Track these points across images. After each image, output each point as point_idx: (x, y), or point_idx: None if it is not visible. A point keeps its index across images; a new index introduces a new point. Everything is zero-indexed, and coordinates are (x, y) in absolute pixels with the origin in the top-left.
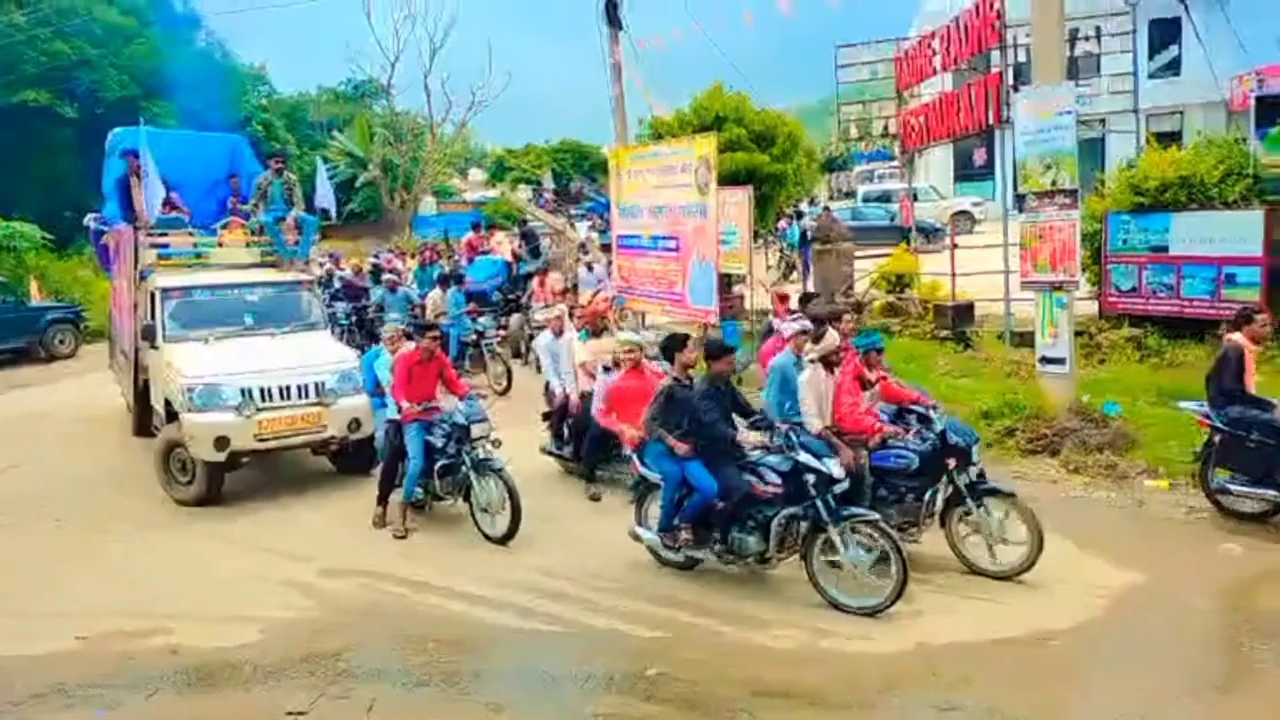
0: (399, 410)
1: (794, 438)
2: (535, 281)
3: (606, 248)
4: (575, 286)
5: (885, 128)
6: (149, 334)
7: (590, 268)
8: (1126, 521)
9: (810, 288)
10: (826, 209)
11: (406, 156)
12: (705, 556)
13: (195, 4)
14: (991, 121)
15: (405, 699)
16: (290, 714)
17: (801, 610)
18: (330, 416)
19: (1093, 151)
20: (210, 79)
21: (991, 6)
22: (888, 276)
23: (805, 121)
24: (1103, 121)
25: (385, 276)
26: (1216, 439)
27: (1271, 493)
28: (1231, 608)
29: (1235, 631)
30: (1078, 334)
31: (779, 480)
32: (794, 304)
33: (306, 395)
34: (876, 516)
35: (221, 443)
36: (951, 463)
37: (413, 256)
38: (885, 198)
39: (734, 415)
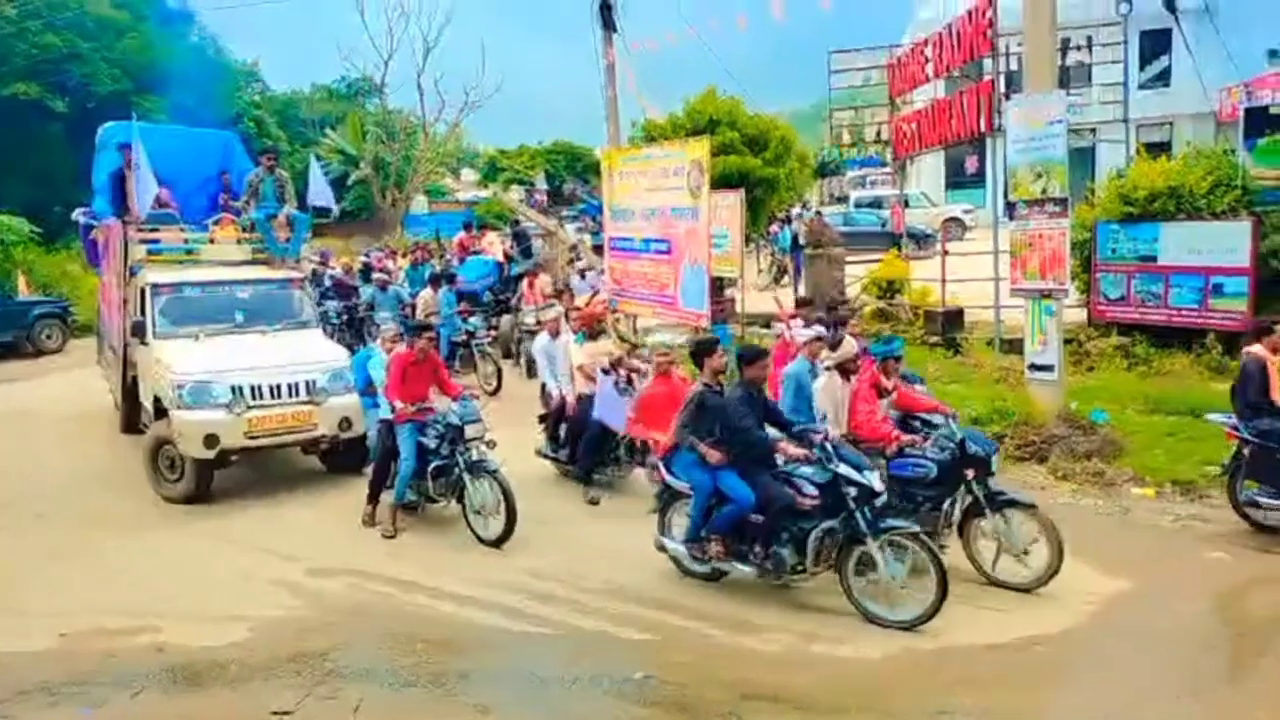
0: (393, 411)
1: (832, 449)
2: (525, 283)
3: (598, 249)
4: (568, 287)
5: (878, 134)
6: (139, 330)
7: (583, 275)
8: (1114, 529)
9: (802, 292)
10: (818, 213)
11: (399, 155)
12: (733, 568)
13: None
14: (983, 129)
15: (392, 699)
16: (276, 713)
17: (790, 614)
18: (321, 415)
19: (1083, 161)
20: (203, 75)
21: (984, 14)
22: (879, 282)
23: (798, 126)
24: (1093, 131)
25: (376, 275)
26: (1245, 451)
27: None
28: (1218, 615)
29: (1222, 638)
30: (1067, 342)
31: (816, 492)
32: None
33: (297, 394)
34: (917, 529)
35: (211, 440)
36: (970, 473)
37: (404, 255)
38: (877, 203)
39: (765, 425)
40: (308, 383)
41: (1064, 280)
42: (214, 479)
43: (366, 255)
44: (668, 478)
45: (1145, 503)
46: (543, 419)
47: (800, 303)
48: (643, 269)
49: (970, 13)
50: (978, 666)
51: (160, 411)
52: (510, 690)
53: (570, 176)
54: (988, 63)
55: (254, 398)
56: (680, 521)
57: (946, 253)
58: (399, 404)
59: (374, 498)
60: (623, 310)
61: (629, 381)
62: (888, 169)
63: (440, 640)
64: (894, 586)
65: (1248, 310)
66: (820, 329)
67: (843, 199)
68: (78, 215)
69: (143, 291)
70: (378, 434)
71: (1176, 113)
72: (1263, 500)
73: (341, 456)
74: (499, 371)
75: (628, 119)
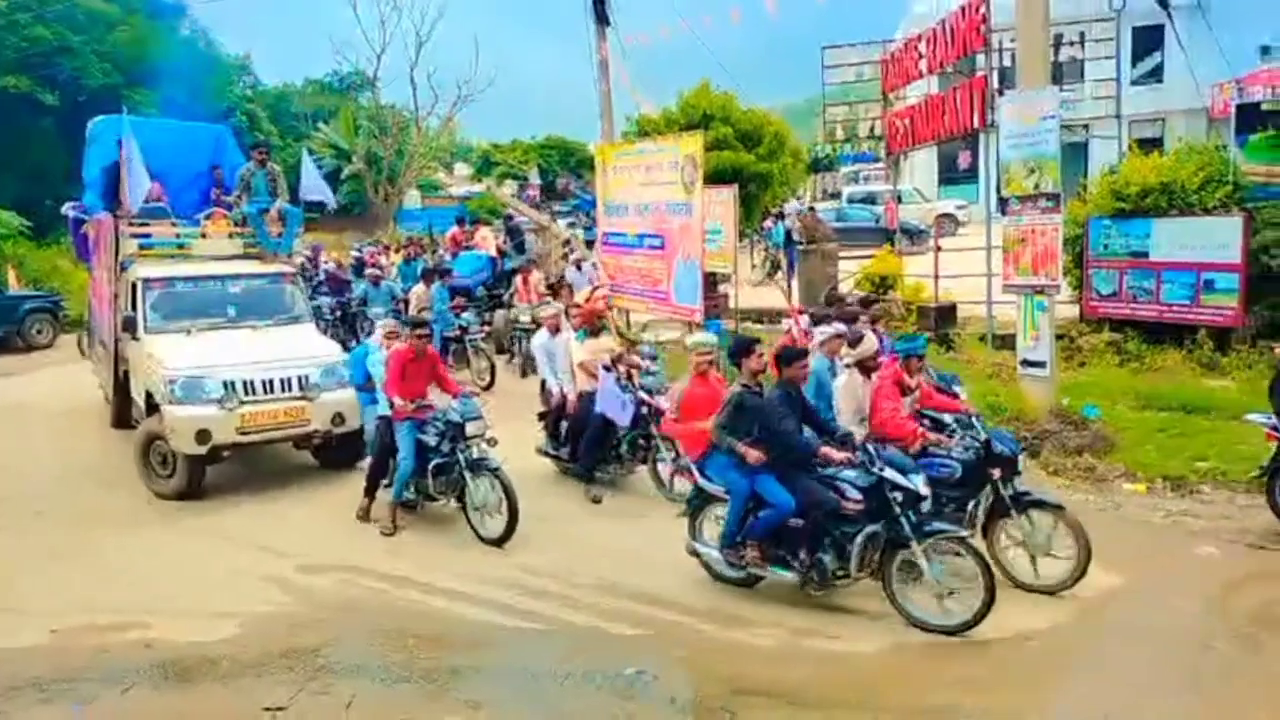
0: (391, 408)
1: (876, 452)
2: (519, 279)
3: (590, 244)
4: (560, 281)
5: (871, 129)
6: (130, 325)
7: (579, 266)
8: (1105, 524)
9: (795, 288)
10: (811, 209)
11: (391, 150)
12: (770, 574)
13: None
14: (976, 125)
15: (384, 695)
16: (268, 709)
17: (783, 609)
18: (314, 410)
19: (1076, 156)
20: (194, 68)
21: (977, 10)
22: (871, 278)
23: (791, 121)
24: (1086, 127)
25: (369, 271)
26: None
27: None
28: (1209, 610)
29: (1214, 634)
30: (1058, 337)
31: (860, 496)
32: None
33: (290, 389)
34: (964, 533)
35: (203, 436)
36: (996, 472)
37: (397, 250)
38: (870, 199)
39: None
40: (300, 378)
41: (1056, 276)
42: (206, 475)
43: (359, 250)
44: (701, 481)
45: (1136, 498)
46: (542, 416)
47: (830, 300)
48: (636, 264)
49: (964, 8)
50: (969, 662)
51: (152, 407)
52: (502, 686)
53: (564, 171)
54: (981, 58)
55: (246, 393)
56: (713, 525)
57: (939, 248)
58: (398, 401)
59: (370, 493)
60: (616, 305)
61: (629, 377)
62: (881, 164)
63: (432, 636)
64: (940, 591)
65: (1239, 306)
66: (840, 326)
67: (836, 194)
68: (68, 209)
69: (134, 286)
70: (375, 430)
71: (1169, 109)
72: None
73: (334, 452)
74: (492, 367)
75: (621, 113)
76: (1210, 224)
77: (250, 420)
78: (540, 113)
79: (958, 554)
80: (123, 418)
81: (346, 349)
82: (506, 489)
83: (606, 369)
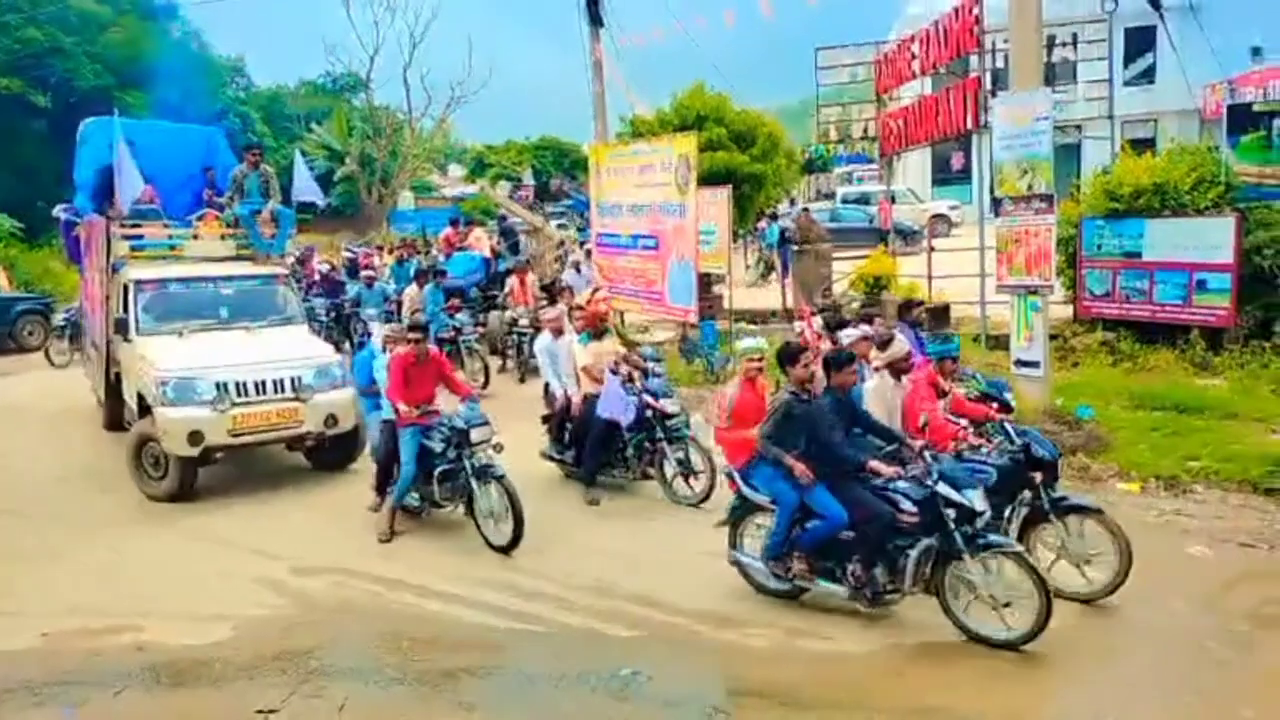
0: (396, 414)
1: (932, 464)
2: (514, 280)
3: (582, 245)
4: (555, 284)
5: (865, 130)
6: (122, 327)
7: (578, 269)
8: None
9: (788, 289)
10: (805, 210)
11: (385, 151)
12: (816, 587)
13: None
14: (969, 126)
15: (378, 697)
16: (261, 712)
17: (776, 610)
18: (307, 412)
19: (1069, 157)
20: (186, 70)
21: (970, 11)
22: (865, 278)
23: (785, 122)
24: (1079, 128)
25: (363, 273)
26: None
27: None
28: (1202, 608)
29: (1205, 631)
30: (1052, 337)
31: (915, 509)
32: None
33: (282, 390)
34: (1020, 548)
35: (195, 438)
36: (1038, 476)
37: (390, 252)
38: (864, 200)
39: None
40: (293, 379)
41: (1049, 276)
42: (198, 476)
43: (352, 251)
44: (745, 489)
45: (1130, 498)
46: (545, 420)
47: (867, 303)
48: (630, 265)
49: (957, 10)
50: (963, 662)
51: (144, 409)
52: (497, 688)
53: (557, 172)
54: (974, 59)
55: (239, 394)
56: (754, 535)
57: (933, 249)
58: (403, 408)
59: (381, 491)
60: (611, 307)
61: (630, 379)
62: (875, 165)
63: (426, 638)
64: (995, 604)
65: (1231, 306)
66: (866, 328)
67: (830, 195)
68: (59, 211)
69: (126, 288)
70: (380, 433)
71: (1161, 109)
72: None
73: (327, 453)
74: (486, 368)
75: (615, 114)
76: (1203, 224)
77: (243, 422)
78: (534, 114)
79: (1011, 567)
80: (115, 420)
81: (340, 350)
82: (511, 497)
83: (613, 372)
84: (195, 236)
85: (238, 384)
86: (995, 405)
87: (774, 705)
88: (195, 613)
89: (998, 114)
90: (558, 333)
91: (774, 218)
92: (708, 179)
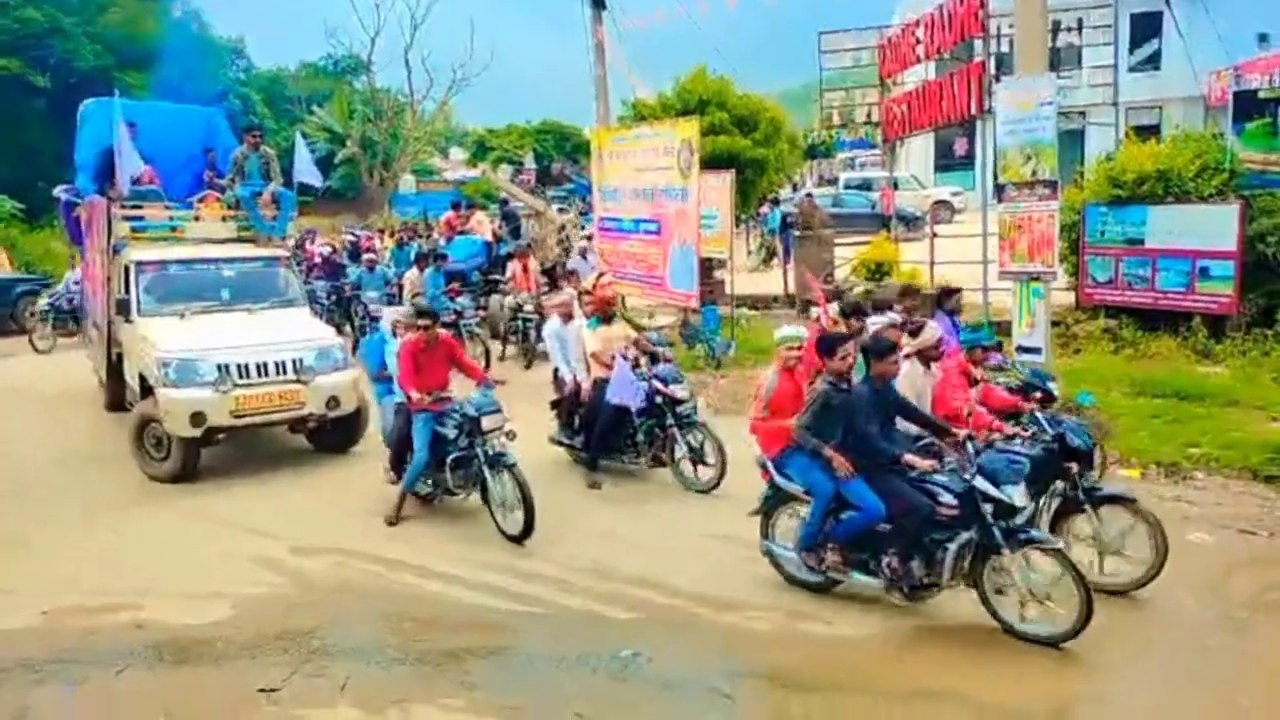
0: (409, 401)
1: (972, 459)
2: (516, 265)
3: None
4: (556, 268)
5: (868, 115)
6: (123, 308)
7: (584, 254)
8: None
9: (790, 274)
10: (809, 195)
11: (386, 134)
12: (850, 580)
13: None
14: (973, 111)
15: (379, 677)
16: (263, 691)
17: (775, 592)
18: (309, 394)
19: (1073, 143)
20: (187, 51)
21: None
22: (867, 264)
23: (788, 107)
24: (1083, 114)
25: (365, 256)
26: None
27: None
28: (1202, 595)
29: (1205, 617)
30: (1054, 324)
31: (955, 502)
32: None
33: (284, 372)
34: (1060, 544)
35: (198, 419)
36: (1074, 466)
37: (391, 235)
38: (866, 185)
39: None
40: (295, 361)
41: (1052, 263)
42: (200, 457)
43: (354, 235)
44: (778, 479)
45: (1130, 485)
46: (554, 405)
47: (905, 292)
48: (632, 249)
49: None
50: (964, 646)
51: (146, 390)
52: (497, 668)
53: (559, 156)
54: (979, 44)
55: (241, 376)
56: (787, 526)
57: (935, 235)
58: (414, 394)
59: (396, 469)
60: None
61: (636, 364)
62: (877, 151)
63: (427, 619)
64: (1033, 600)
65: (1233, 294)
66: (894, 315)
67: (832, 181)
68: (59, 192)
69: (127, 269)
70: (394, 415)
71: (1166, 96)
72: None
73: (329, 436)
74: (487, 352)
75: (617, 98)
76: (1206, 211)
77: (245, 403)
78: (536, 97)
79: (1051, 564)
80: (116, 400)
81: (340, 333)
82: (522, 486)
83: (624, 357)
84: (196, 218)
85: (240, 365)
86: (1039, 395)
87: (774, 687)
88: (196, 592)
89: (1001, 99)
90: (567, 318)
91: (776, 203)
92: (710, 163)
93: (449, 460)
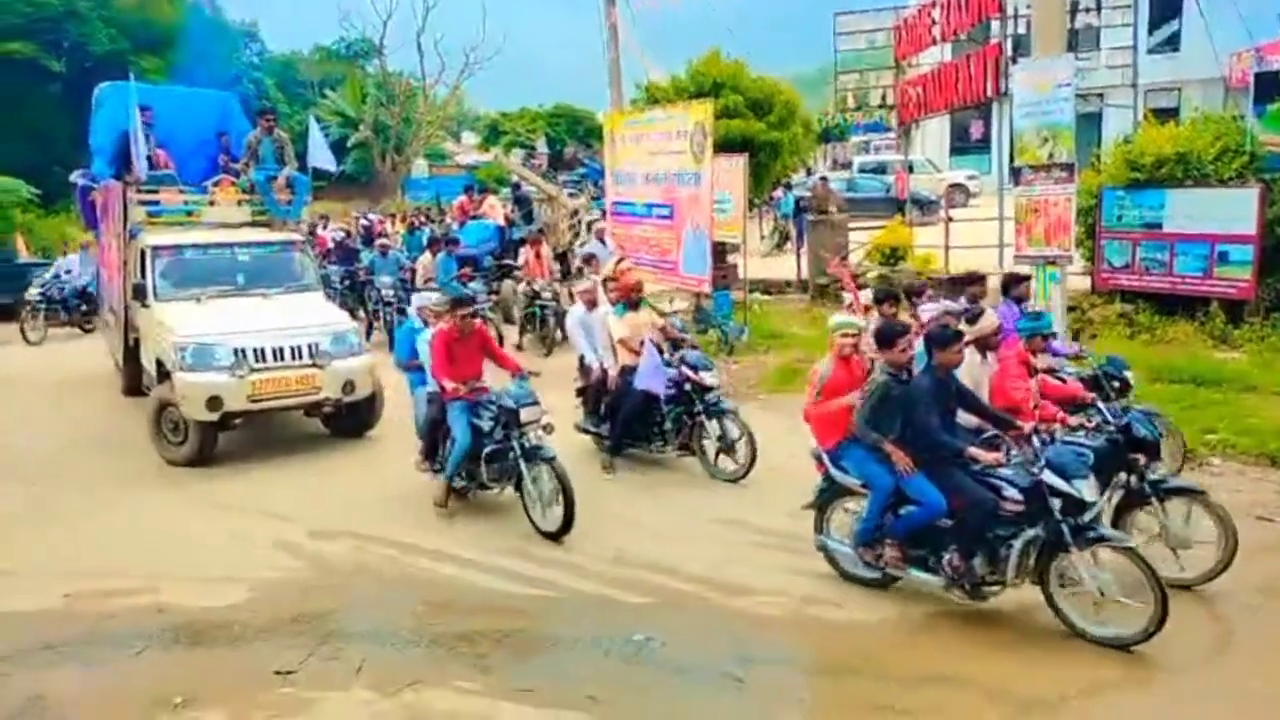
0: (442, 391)
1: (1040, 451)
2: (530, 251)
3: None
4: (569, 253)
5: (883, 98)
6: (140, 293)
7: (603, 239)
8: None
9: (804, 259)
10: (823, 179)
11: (398, 118)
12: (909, 576)
13: None
14: (990, 93)
15: (395, 659)
16: (279, 673)
17: (787, 577)
18: (324, 378)
19: (1090, 126)
20: (200, 35)
21: None
22: (882, 248)
23: (802, 90)
24: (1101, 96)
25: (378, 241)
26: None
27: None
28: (1217, 581)
29: (1219, 603)
30: (1070, 309)
31: (1020, 497)
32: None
33: (300, 356)
34: (1133, 543)
35: (214, 403)
36: (1141, 458)
37: (403, 220)
38: (881, 169)
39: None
40: (311, 346)
41: (1069, 247)
42: (218, 442)
43: (368, 219)
44: (833, 472)
45: None
46: (580, 393)
47: (969, 279)
48: (645, 234)
49: None
50: (975, 632)
51: (163, 374)
52: (511, 651)
53: (572, 140)
54: (995, 25)
55: (257, 360)
56: (842, 520)
57: (950, 219)
58: (449, 384)
59: (430, 456)
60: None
61: (659, 350)
62: (892, 134)
63: (442, 602)
64: (1104, 600)
65: (1252, 279)
66: (948, 303)
67: (846, 165)
68: (75, 177)
69: (143, 254)
70: (427, 403)
71: (1185, 78)
72: None
73: (345, 420)
74: (500, 337)
75: (631, 81)
76: (1225, 195)
77: (261, 387)
78: (548, 81)
79: (1123, 563)
80: (133, 385)
81: (355, 318)
82: (562, 480)
83: (652, 344)
84: (212, 203)
85: (256, 350)
86: (1116, 384)
87: (789, 671)
88: (213, 575)
89: (1018, 81)
90: (591, 305)
91: (789, 187)
92: (723, 147)
93: (484, 453)
